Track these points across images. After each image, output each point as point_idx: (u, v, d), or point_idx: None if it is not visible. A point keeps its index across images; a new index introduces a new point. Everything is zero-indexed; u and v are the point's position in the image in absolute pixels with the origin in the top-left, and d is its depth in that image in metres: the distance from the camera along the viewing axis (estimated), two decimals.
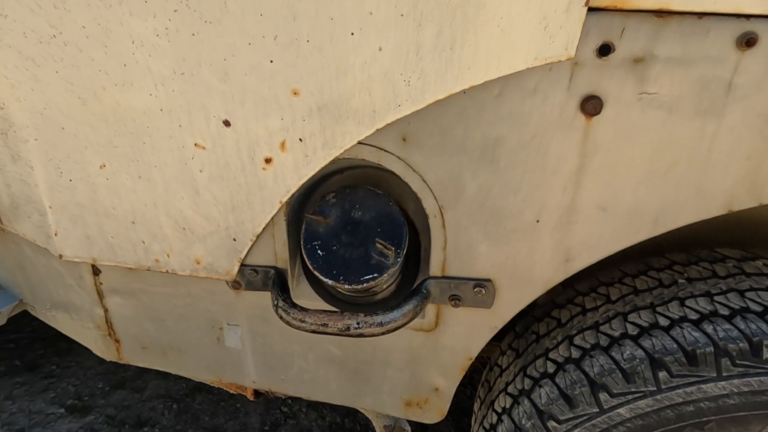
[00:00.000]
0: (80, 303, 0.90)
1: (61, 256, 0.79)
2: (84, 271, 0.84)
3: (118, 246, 0.76)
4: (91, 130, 0.68)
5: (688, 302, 0.72)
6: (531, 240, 0.63)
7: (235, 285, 0.77)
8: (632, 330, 0.73)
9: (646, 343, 0.70)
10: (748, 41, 0.47)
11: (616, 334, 0.74)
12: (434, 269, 0.69)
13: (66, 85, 0.65)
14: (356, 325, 0.62)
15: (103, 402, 1.65)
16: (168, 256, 0.76)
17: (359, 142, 0.61)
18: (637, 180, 0.56)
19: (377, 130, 0.59)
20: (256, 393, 1.02)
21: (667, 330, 0.70)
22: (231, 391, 1.03)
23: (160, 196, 0.70)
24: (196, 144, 0.65)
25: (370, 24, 0.52)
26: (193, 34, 0.58)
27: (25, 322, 1.93)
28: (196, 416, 1.62)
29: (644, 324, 0.73)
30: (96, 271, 0.84)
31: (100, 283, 0.85)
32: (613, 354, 0.72)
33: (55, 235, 0.77)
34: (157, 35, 0.59)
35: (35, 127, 0.70)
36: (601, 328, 0.77)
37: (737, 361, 0.64)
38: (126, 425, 1.56)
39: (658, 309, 0.74)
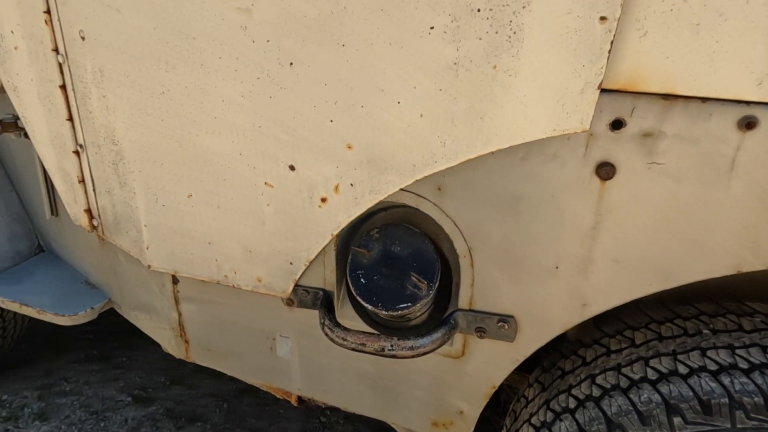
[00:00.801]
0: (160, 306, 1.06)
1: (149, 266, 0.96)
2: (166, 280, 1.01)
3: (195, 262, 0.91)
4: (183, 167, 0.83)
5: (709, 353, 0.76)
6: (550, 284, 0.70)
7: (289, 302, 0.90)
8: (652, 375, 0.77)
9: (664, 388, 0.74)
10: (748, 124, 0.53)
11: (636, 377, 0.79)
12: (462, 302, 0.78)
13: (167, 131, 0.81)
14: (390, 347, 0.72)
15: (164, 395, 1.85)
16: (235, 273, 0.90)
17: (401, 189, 0.72)
18: (648, 238, 0.62)
19: (416, 180, 0.69)
20: (300, 400, 1.13)
21: (685, 378, 0.74)
22: (278, 396, 1.15)
23: (233, 223, 0.84)
24: (265, 183, 0.78)
25: (414, 96, 0.63)
26: (270, 97, 0.71)
27: (102, 317, 2.19)
28: (243, 417, 1.77)
29: (664, 370, 0.77)
30: (175, 280, 1.00)
31: (178, 291, 1.01)
32: (631, 396, 0.77)
33: (147, 248, 0.94)
34: (242, 96, 0.73)
35: (141, 162, 0.87)
36: (623, 370, 0.82)
37: (752, 415, 0.67)
38: (182, 419, 1.74)
39: (680, 357, 0.77)
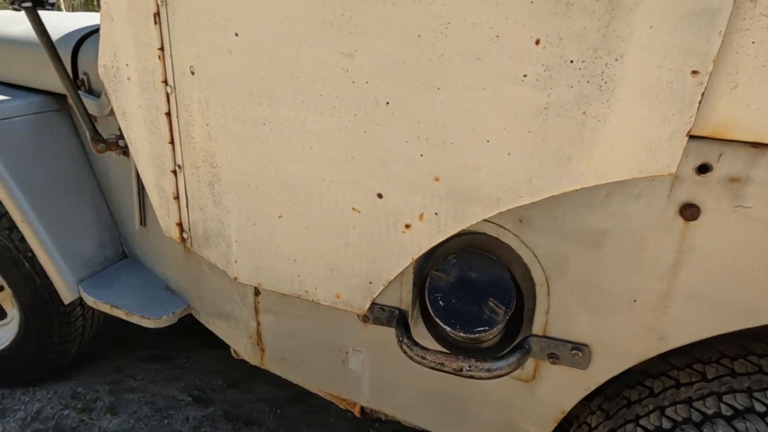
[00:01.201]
0: (239, 315, 1.15)
1: (236, 279, 1.05)
2: (248, 292, 1.09)
3: (279, 276, 0.99)
4: (277, 191, 0.92)
5: None
6: (627, 316, 0.73)
7: (365, 319, 0.96)
8: (726, 410, 0.78)
9: (740, 425, 0.75)
10: None
11: (710, 412, 0.80)
12: (536, 328, 0.81)
13: (265, 158, 0.90)
14: (468, 368, 0.77)
15: (221, 397, 1.95)
16: (316, 289, 0.97)
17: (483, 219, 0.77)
18: (730, 278, 0.65)
19: (499, 212, 0.74)
20: (362, 410, 1.19)
21: (762, 416, 0.75)
22: (341, 406, 1.21)
23: (319, 243, 0.92)
24: (353, 209, 0.85)
25: (503, 136, 0.69)
26: (365, 132, 0.79)
27: None
28: (296, 423, 1.84)
29: (739, 407, 0.78)
30: (257, 292, 1.09)
31: (259, 303, 1.09)
32: (704, 431, 0.78)
33: (235, 262, 1.03)
34: (338, 130, 0.81)
35: (237, 184, 0.96)
36: (695, 404, 0.83)
37: None
38: (239, 421, 1.83)
39: (755, 394, 0.78)
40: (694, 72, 0.56)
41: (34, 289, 1.58)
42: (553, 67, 0.62)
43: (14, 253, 1.52)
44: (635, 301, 0.72)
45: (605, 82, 0.60)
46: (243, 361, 1.31)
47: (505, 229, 0.78)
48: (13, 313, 1.78)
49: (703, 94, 0.56)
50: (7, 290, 1.74)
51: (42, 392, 1.87)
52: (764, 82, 0.56)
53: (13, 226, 1.48)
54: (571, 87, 0.62)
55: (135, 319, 1.30)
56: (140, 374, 2.03)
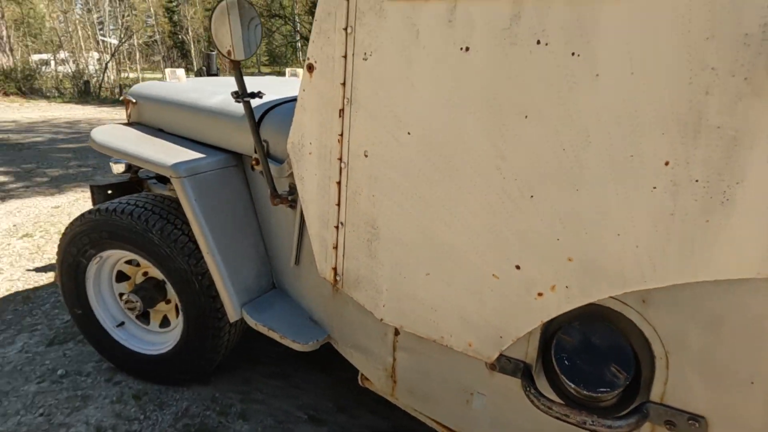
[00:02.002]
0: (377, 350, 1.38)
1: (381, 320, 1.29)
2: (389, 331, 1.33)
3: (419, 321, 1.21)
4: (428, 252, 1.15)
5: None
6: (745, 395, 0.83)
7: (492, 367, 1.14)
8: None
9: None
10: None
11: None
12: (654, 396, 0.93)
13: (421, 225, 1.14)
14: (591, 422, 0.91)
15: (332, 419, 2.19)
16: (450, 336, 1.17)
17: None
18: None
19: (624, 292, 0.89)
20: None
21: None
22: None
23: (458, 299, 1.12)
24: (493, 275, 1.05)
25: (632, 231, 0.85)
26: (510, 216, 0.99)
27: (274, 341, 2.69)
28: None
29: None
30: (396, 332, 1.32)
31: (397, 341, 1.32)
32: None
33: (383, 306, 1.27)
34: (487, 211, 1.02)
35: (393, 243, 1.21)
36: None
37: None
38: None
39: None
40: None
41: (198, 306, 1.97)
42: (680, 183, 0.78)
43: (189, 275, 1.92)
44: (752, 383, 0.82)
45: (727, 200, 0.75)
46: (350, 387, 1.51)
47: (628, 306, 0.92)
48: (176, 323, 2.20)
49: None
50: (174, 303, 2.17)
51: (189, 393, 2.26)
52: None
53: (192, 254, 1.89)
54: (696, 200, 0.78)
55: (287, 342, 1.59)
56: (264, 388, 2.36)
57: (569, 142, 0.87)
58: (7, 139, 7.80)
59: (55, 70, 18.19)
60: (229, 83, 2.36)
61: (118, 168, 2.40)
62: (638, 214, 0.83)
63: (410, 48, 1.05)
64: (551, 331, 1.05)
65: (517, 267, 1.01)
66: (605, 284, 0.91)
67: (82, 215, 2.08)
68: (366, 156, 1.22)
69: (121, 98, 2.30)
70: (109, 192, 2.57)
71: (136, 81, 19.42)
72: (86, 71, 18.13)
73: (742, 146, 0.72)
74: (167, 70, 2.46)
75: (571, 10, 0.83)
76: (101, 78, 17.08)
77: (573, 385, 0.94)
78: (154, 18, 33.40)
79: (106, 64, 17.81)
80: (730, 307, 0.82)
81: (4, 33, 14.30)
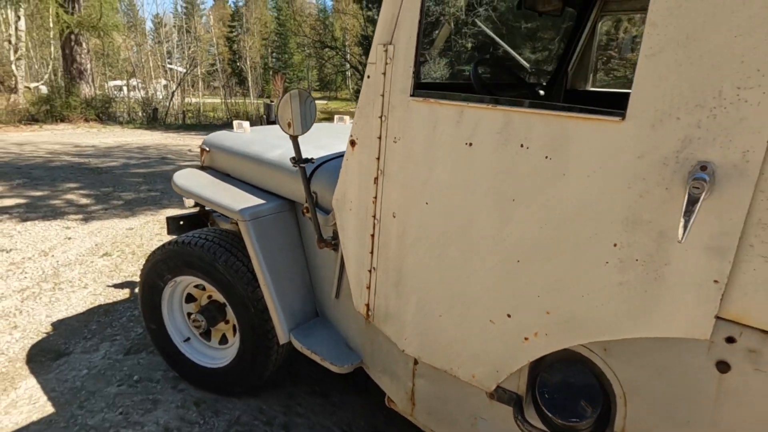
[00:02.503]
0: (401, 376, 1.66)
1: (403, 350, 1.57)
2: (410, 360, 1.60)
3: (435, 354, 1.48)
4: (443, 297, 1.42)
5: None
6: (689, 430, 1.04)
7: (490, 396, 1.39)
8: None
9: None
10: None
11: None
12: (617, 428, 1.15)
13: (439, 275, 1.42)
14: None
15: None
16: (458, 368, 1.43)
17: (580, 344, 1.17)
18: (758, 424, 0.93)
19: (590, 342, 1.13)
20: None
21: None
22: None
23: (467, 337, 1.39)
24: (490, 320, 1.31)
25: (594, 295, 1.10)
26: (505, 274, 1.25)
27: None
28: None
29: None
30: (416, 362, 1.59)
31: (416, 369, 1.59)
32: None
33: (405, 339, 1.55)
34: (489, 269, 1.29)
35: (416, 286, 1.50)
36: None
37: None
38: None
39: None
40: (716, 281, 0.92)
41: (252, 328, 2.32)
42: (625, 261, 1.03)
43: (246, 300, 2.28)
44: (688, 422, 1.03)
45: (659, 276, 0.99)
46: (381, 409, 1.77)
47: (594, 353, 1.16)
48: (233, 341, 2.57)
49: (722, 295, 0.92)
50: (232, 324, 2.54)
51: (240, 403, 2.60)
52: (760, 292, 0.89)
53: (249, 282, 2.25)
54: (636, 275, 1.02)
55: (326, 364, 1.89)
56: (305, 404, 2.66)
57: (545, 222, 1.14)
58: (88, 164, 8.78)
59: (128, 97, 20.00)
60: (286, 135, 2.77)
61: (189, 202, 2.83)
62: (596, 281, 1.08)
63: (429, 138, 1.36)
64: (538, 369, 1.29)
65: (509, 315, 1.27)
66: (575, 334, 1.15)
67: (163, 246, 2.51)
68: (394, 216, 1.53)
69: (198, 147, 2.78)
70: (181, 222, 3.02)
71: (198, 107, 21.00)
72: (155, 98, 19.82)
73: (666, 237, 0.97)
74: (234, 122, 2.91)
75: (545, 124, 1.11)
76: (168, 105, 18.61)
77: (551, 415, 1.18)
78: (216, 47, 35.93)
79: (173, 93, 19.40)
80: (669, 360, 1.04)
81: (89, 66, 16.00)
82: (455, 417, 1.52)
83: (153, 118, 17.02)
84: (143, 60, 26.18)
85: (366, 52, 15.98)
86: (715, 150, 0.89)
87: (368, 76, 1.51)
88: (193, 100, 25.18)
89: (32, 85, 21.71)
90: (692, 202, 0.88)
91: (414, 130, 1.40)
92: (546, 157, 1.12)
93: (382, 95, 1.48)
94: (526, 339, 1.25)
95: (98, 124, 15.13)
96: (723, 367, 0.96)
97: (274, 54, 42.68)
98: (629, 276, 1.03)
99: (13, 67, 19.83)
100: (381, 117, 1.50)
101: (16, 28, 20.59)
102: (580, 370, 1.19)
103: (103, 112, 15.79)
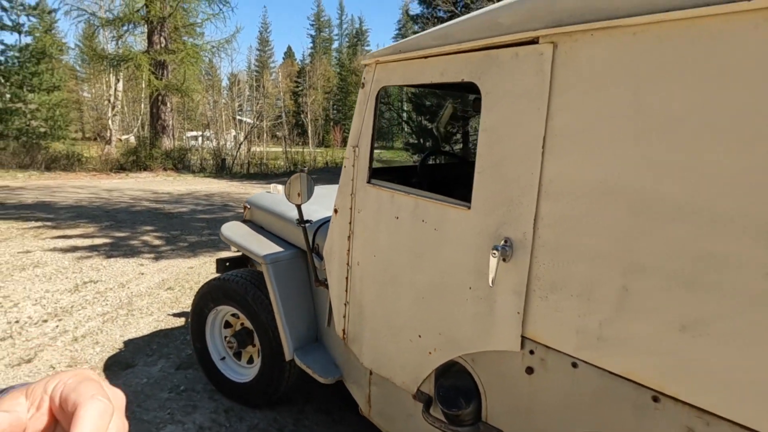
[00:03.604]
0: (362, 384, 2.24)
1: (362, 363, 2.16)
2: (367, 372, 2.19)
3: (381, 367, 2.07)
4: (384, 323, 2.03)
5: None
6: (527, 420, 1.55)
7: (414, 397, 1.94)
8: None
9: None
10: (527, 369, 1.36)
11: None
12: (484, 417, 1.67)
13: (380, 309, 2.03)
14: (452, 428, 1.67)
15: None
16: (394, 376, 2.00)
17: (459, 356, 1.72)
18: (546, 409, 1.44)
19: (465, 353, 1.69)
20: None
21: None
22: None
23: (397, 352, 1.97)
24: (410, 339, 1.90)
25: (458, 324, 1.67)
26: (417, 308, 1.85)
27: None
28: None
29: None
30: (371, 372, 2.17)
31: (371, 378, 2.17)
32: None
33: (363, 355, 2.15)
34: (412, 303, 1.89)
35: (370, 316, 2.11)
36: None
37: None
38: None
39: None
40: (518, 312, 1.48)
41: (270, 349, 2.98)
42: (476, 299, 1.60)
43: (266, 327, 2.96)
44: (518, 409, 1.54)
45: (492, 309, 1.55)
46: (370, 426, 2.32)
47: (467, 362, 1.70)
48: (257, 361, 3.24)
49: (523, 322, 1.47)
50: (257, 347, 3.21)
51: (260, 413, 3.23)
52: (540, 320, 1.43)
53: (269, 314, 2.94)
54: (482, 308, 1.59)
55: (315, 376, 2.51)
56: (312, 417, 3.24)
57: (435, 272, 1.74)
58: (162, 209, 10.18)
59: (202, 147, 22.38)
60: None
61: (234, 247, 3.62)
62: (462, 312, 1.65)
63: (376, 211, 2.02)
64: (438, 375, 1.84)
65: (420, 336, 1.85)
66: (454, 349, 1.71)
67: (209, 281, 3.29)
68: (358, 264, 2.18)
69: (242, 205, 3.63)
70: (227, 264, 3.82)
71: (262, 155, 23.04)
72: (224, 148, 22.06)
73: (494, 284, 1.54)
74: (271, 185, 3.72)
75: (434, 207, 1.73)
76: (235, 155, 20.67)
77: (443, 408, 1.73)
78: (282, 101, 39.23)
79: (240, 145, 21.55)
80: (504, 366, 1.57)
81: (171, 123, 18.38)
82: (395, 415, 2.07)
83: (221, 168, 18.96)
84: (217, 114, 29.18)
85: (416, 108, 17.16)
86: (511, 231, 1.47)
87: (344, 166, 2.22)
88: (258, 149, 27.50)
89: (123, 137, 24.92)
90: (501, 261, 1.46)
91: (368, 205, 2.07)
92: (435, 229, 1.74)
93: (352, 180, 2.17)
94: (430, 353, 1.81)
95: (174, 173, 17.17)
96: (529, 370, 1.49)
97: (335, 106, 45.87)
98: (478, 308, 1.60)
99: (110, 122, 22.99)
100: (351, 194, 2.18)
101: (115, 90, 24.00)
102: (461, 375, 1.73)
103: (179, 161, 17.89)
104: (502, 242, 1.48)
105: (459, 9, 15.68)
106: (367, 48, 61.27)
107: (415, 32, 17.27)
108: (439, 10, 15.80)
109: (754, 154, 0.97)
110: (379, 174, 2.30)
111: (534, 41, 1.36)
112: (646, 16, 1.11)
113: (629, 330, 1.22)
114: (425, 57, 1.73)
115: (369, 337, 2.12)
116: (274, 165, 21.38)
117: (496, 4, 1.50)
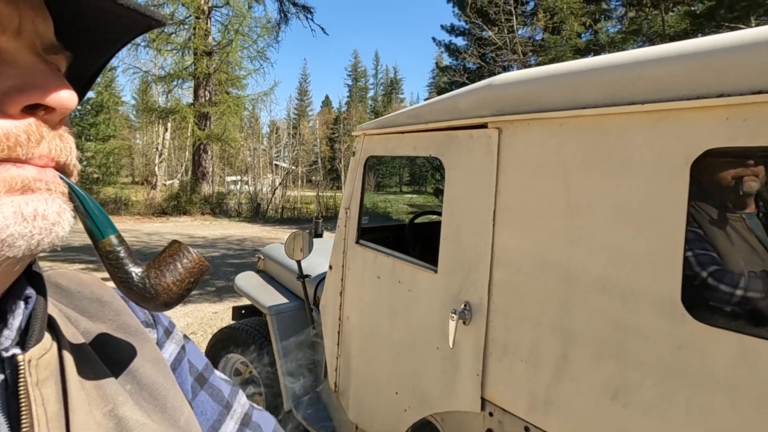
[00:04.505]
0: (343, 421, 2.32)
1: (348, 416, 2.25)
2: (353, 425, 2.27)
3: (365, 420, 2.15)
4: (367, 379, 2.13)
5: None
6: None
7: None
8: None
9: None
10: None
11: None
12: None
13: (364, 365, 2.14)
14: None
15: None
16: (376, 429, 2.08)
17: (431, 414, 1.80)
18: None
19: (432, 413, 1.77)
20: None
21: None
22: None
23: (378, 408, 2.06)
24: (388, 396, 1.99)
25: (430, 385, 1.76)
26: (396, 364, 1.96)
27: None
28: None
29: None
30: (357, 426, 2.25)
31: (356, 425, 2.25)
32: None
33: (349, 408, 2.24)
34: (392, 360, 2.00)
35: (354, 371, 2.22)
36: None
37: None
38: None
39: None
40: (478, 374, 1.57)
41: (273, 398, 3.10)
42: (442, 359, 1.70)
43: (271, 375, 3.09)
44: None
45: (456, 369, 1.65)
46: None
47: (438, 421, 1.77)
48: (263, 407, 3.35)
49: (482, 384, 1.55)
50: (263, 395, 3.33)
51: None
52: (496, 383, 1.51)
53: (273, 363, 3.07)
54: (447, 368, 1.68)
55: (309, 428, 2.60)
56: None
57: (409, 330, 1.86)
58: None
59: (239, 191, 23.40)
60: (317, 250, 3.73)
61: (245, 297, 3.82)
62: (430, 371, 1.75)
63: (362, 270, 2.17)
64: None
65: (396, 393, 1.94)
66: (425, 408, 1.79)
67: (222, 329, 3.48)
68: (348, 319, 2.31)
69: (256, 256, 3.86)
70: (242, 312, 4.02)
71: (296, 199, 23.82)
72: (261, 192, 22.98)
73: (456, 345, 1.64)
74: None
75: (409, 268, 1.87)
76: (270, 199, 21.47)
77: None
78: (318, 147, 40.76)
79: (275, 190, 22.43)
80: (470, 426, 1.64)
81: (211, 170, 19.46)
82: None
83: (256, 213, 19.71)
84: (255, 160, 30.59)
85: None
86: (470, 295, 1.59)
87: (338, 226, 2.41)
88: (293, 193, 28.43)
89: (168, 182, 26.44)
90: (461, 324, 1.57)
91: (356, 263, 2.23)
92: (408, 290, 1.87)
93: (344, 239, 2.35)
94: (405, 410, 1.90)
95: (211, 217, 17.99)
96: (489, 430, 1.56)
97: None
98: (444, 368, 1.69)
99: (156, 168, 24.53)
100: (343, 252, 2.35)
101: (163, 138, 25.75)
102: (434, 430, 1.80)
103: (217, 206, 18.76)
104: (462, 306, 1.59)
105: (487, 60, 16.24)
106: (401, 96, 63.34)
107: (445, 83, 17.89)
108: (468, 62, 16.39)
109: (650, 236, 1.08)
110: (372, 232, 2.47)
111: (484, 126, 1.53)
112: (567, 111, 1.26)
113: (570, 395, 1.30)
114: (402, 132, 1.93)
115: (354, 391, 2.22)
116: (306, 209, 22.01)
117: (457, 90, 1.69)
